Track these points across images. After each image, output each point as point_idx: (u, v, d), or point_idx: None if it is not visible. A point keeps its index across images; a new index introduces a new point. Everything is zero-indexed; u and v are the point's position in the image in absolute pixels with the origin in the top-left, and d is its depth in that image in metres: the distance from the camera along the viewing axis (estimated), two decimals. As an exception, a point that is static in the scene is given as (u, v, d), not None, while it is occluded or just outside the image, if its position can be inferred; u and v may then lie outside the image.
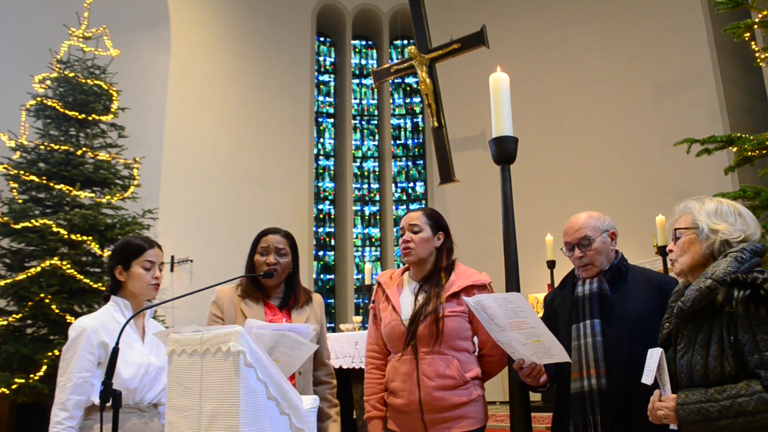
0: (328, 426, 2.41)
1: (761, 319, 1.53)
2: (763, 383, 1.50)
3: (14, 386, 5.37)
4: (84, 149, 6.48)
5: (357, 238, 11.13)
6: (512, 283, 2.31)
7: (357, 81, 11.86)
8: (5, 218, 5.99)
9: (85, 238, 6.05)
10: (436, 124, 8.71)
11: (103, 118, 6.80)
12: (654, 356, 1.71)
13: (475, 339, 2.36)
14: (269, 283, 2.43)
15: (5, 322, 5.70)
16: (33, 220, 5.91)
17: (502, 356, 2.30)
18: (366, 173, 11.54)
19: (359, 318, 6.27)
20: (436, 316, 2.23)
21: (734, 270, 1.62)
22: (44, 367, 5.43)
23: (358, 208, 11.29)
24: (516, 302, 1.94)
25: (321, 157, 11.37)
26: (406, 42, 11.67)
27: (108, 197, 6.49)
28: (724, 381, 1.57)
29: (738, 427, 1.51)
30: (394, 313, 2.33)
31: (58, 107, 6.52)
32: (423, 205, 11.01)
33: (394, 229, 10.64)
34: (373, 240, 11.27)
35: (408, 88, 11.94)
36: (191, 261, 8.27)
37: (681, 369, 1.69)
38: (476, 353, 2.36)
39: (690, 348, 1.67)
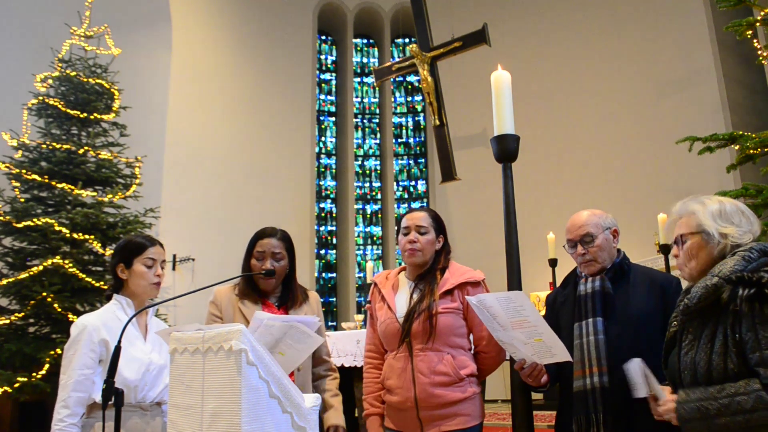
0: (329, 416, 2.37)
1: (764, 317, 1.53)
2: (762, 381, 1.50)
3: (17, 385, 5.37)
4: (86, 148, 6.48)
5: (358, 236, 11.14)
6: (514, 282, 2.30)
7: (358, 79, 11.85)
8: (7, 217, 5.99)
9: (87, 236, 6.06)
10: (437, 122, 8.70)
11: (105, 116, 6.81)
12: (633, 369, 1.72)
13: (471, 336, 2.36)
14: (267, 285, 2.42)
15: (7, 321, 5.71)
16: (35, 219, 5.92)
17: (498, 353, 2.31)
18: (367, 171, 11.54)
19: (361, 316, 6.25)
20: (429, 313, 2.24)
21: (741, 269, 1.61)
22: (46, 366, 5.44)
23: (360, 206, 11.29)
24: (518, 301, 1.95)
25: (322, 156, 11.37)
26: (407, 40, 11.66)
27: (110, 196, 6.50)
28: (727, 379, 1.57)
29: (736, 426, 1.51)
30: (389, 311, 2.35)
31: (59, 106, 6.52)
32: (425, 204, 11.02)
33: (396, 228, 10.63)
34: (375, 238, 11.27)
35: (409, 87, 11.93)
36: (193, 259, 8.28)
37: (685, 366, 1.69)
38: (472, 350, 2.37)
39: (694, 345, 1.67)
